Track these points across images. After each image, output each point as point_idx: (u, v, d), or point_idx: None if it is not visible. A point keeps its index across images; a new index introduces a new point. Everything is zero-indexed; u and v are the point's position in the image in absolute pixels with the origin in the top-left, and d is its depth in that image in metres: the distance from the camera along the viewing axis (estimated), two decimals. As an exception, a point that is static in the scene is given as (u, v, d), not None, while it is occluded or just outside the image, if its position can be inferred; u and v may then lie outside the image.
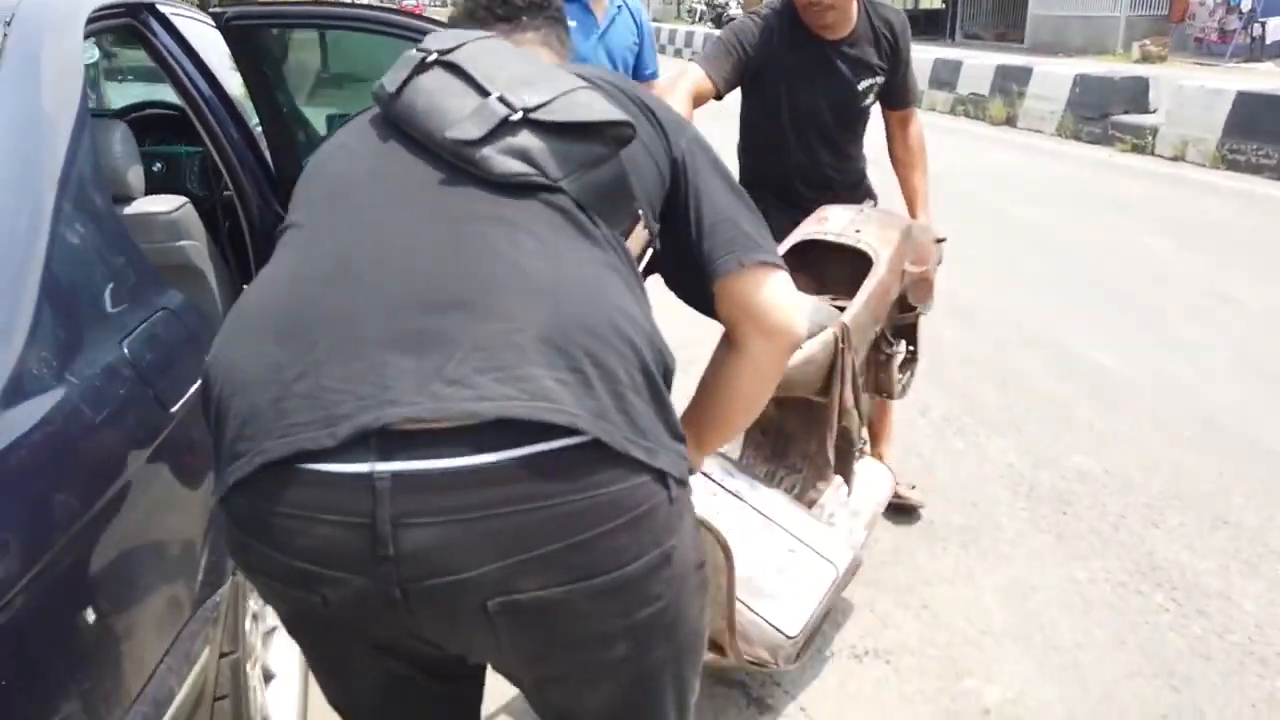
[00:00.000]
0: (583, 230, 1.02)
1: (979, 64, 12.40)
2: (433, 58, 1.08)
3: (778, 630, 1.81)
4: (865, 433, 2.47)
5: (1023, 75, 11.22)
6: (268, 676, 1.84)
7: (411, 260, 0.98)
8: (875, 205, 2.55)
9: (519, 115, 1.01)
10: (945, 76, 12.77)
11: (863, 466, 2.29)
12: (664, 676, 1.07)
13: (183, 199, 2.29)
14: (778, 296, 1.17)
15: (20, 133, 1.39)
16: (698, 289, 1.19)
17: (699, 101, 2.30)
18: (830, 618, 2.30)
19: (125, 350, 1.34)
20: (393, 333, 0.93)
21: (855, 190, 2.60)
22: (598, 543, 0.92)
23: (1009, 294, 4.94)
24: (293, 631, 1.12)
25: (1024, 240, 6.03)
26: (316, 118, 2.65)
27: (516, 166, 1.01)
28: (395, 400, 0.90)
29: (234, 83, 2.50)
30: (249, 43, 2.38)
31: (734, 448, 2.18)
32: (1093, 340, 4.22)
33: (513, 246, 0.98)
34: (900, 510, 2.74)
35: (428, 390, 0.90)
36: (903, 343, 2.32)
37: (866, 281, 2.07)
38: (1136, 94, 9.97)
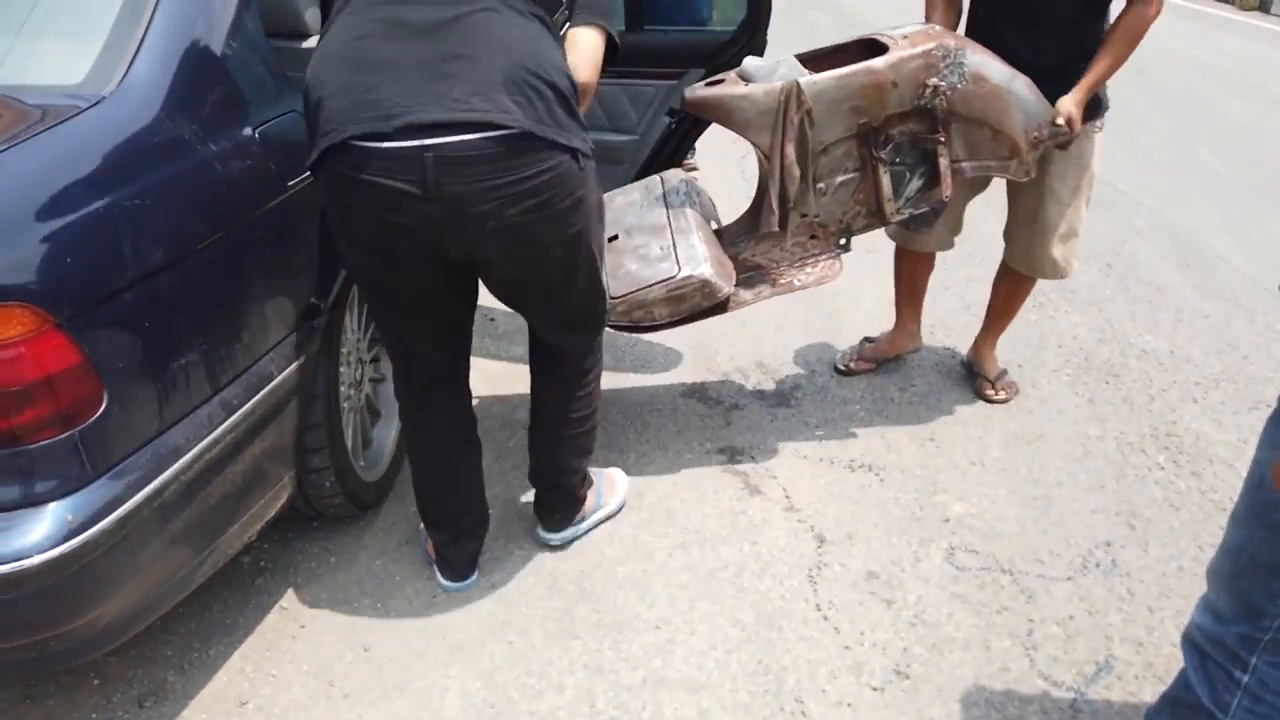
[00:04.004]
0: (527, 15, 1.68)
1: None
2: None
3: (607, 289, 2.15)
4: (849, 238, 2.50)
5: (1287, -46, 9.96)
6: (373, 410, 2.43)
7: (430, 28, 1.61)
8: (1101, 113, 2.46)
9: None
10: (1200, -46, 11.49)
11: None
12: (580, 265, 1.84)
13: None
14: (584, 48, 1.78)
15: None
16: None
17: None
18: (841, 440, 2.65)
19: (255, 134, 1.87)
20: (422, 72, 1.59)
21: (1055, 80, 2.35)
22: (542, 189, 1.64)
23: (1165, 185, 4.80)
24: (363, 266, 1.79)
25: (1213, 136, 5.69)
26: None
27: None
28: (426, 108, 1.56)
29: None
30: None
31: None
32: (1230, 237, 4.11)
33: (489, 23, 1.63)
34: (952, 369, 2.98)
35: (444, 105, 1.57)
36: (915, 173, 2.37)
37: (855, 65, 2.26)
38: None
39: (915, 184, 2.41)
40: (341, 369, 2.18)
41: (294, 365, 1.92)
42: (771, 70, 2.32)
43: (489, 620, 2.02)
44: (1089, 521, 2.33)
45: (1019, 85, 2.31)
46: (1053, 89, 2.33)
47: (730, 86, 2.33)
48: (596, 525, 2.30)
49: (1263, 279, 3.65)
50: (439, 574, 2.13)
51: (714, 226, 2.53)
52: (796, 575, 2.15)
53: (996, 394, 2.85)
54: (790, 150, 2.25)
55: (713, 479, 2.48)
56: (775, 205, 2.32)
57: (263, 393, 1.82)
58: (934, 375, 2.99)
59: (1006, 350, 3.11)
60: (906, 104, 2.28)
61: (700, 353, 3.14)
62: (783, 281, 2.44)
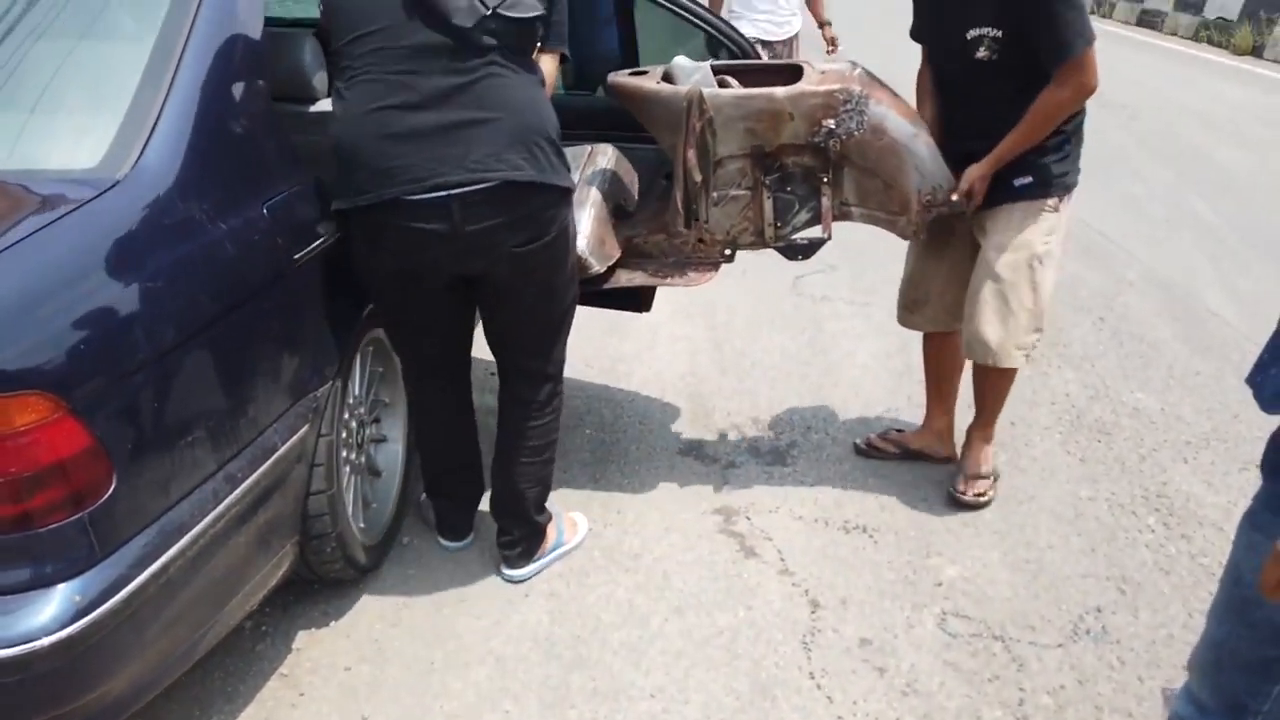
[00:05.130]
0: (521, 69, 1.95)
1: (1233, -14, 11.25)
2: None
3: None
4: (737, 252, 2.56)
5: (1276, 1, 10.12)
6: (373, 470, 2.47)
7: (449, 96, 1.88)
8: (1053, 191, 2.41)
9: (490, 11, 1.87)
10: (1193, -1, 11.69)
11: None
12: (559, 285, 2.14)
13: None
14: (549, 68, 2.08)
15: (211, 52, 1.95)
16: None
17: None
18: (836, 499, 2.68)
19: (265, 210, 1.92)
20: (443, 138, 1.88)
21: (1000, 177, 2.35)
22: (542, 221, 1.99)
23: (1157, 236, 4.86)
24: (387, 288, 2.08)
25: (1208, 185, 5.76)
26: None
27: (489, 41, 1.90)
28: (450, 172, 1.88)
29: None
30: None
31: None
32: (1222, 292, 4.16)
33: (495, 88, 1.91)
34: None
35: (464, 168, 1.88)
36: (804, 206, 2.43)
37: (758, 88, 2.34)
38: None
39: (803, 216, 2.46)
40: (343, 433, 2.22)
41: (298, 435, 1.96)
42: (690, 75, 2.41)
43: (485, 688, 2.04)
44: (1080, 586, 2.36)
45: (919, 145, 2.35)
46: (1011, 173, 2.35)
47: (647, 81, 2.44)
48: (556, 559, 2.41)
49: (1253, 334, 3.70)
50: (441, 538, 2.46)
51: (628, 207, 2.61)
52: (790, 642, 2.17)
53: (964, 493, 2.62)
54: (691, 155, 2.34)
55: (709, 540, 2.51)
56: (679, 205, 2.41)
57: (267, 464, 1.86)
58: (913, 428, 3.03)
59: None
60: (801, 138, 2.34)
61: (697, 406, 3.18)
62: (658, 274, 2.53)
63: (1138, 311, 3.96)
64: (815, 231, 2.49)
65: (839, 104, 2.30)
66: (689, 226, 2.44)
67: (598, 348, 3.57)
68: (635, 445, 2.96)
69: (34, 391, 1.38)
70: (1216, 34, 10.96)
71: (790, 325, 3.80)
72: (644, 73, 2.51)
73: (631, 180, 2.66)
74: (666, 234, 2.49)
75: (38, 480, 1.41)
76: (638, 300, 2.97)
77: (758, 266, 3.63)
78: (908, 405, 3.15)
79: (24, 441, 1.38)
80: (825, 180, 2.39)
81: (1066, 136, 2.37)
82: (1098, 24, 10.01)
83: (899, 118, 2.35)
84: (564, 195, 2.04)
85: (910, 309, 2.75)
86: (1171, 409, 3.17)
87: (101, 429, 1.46)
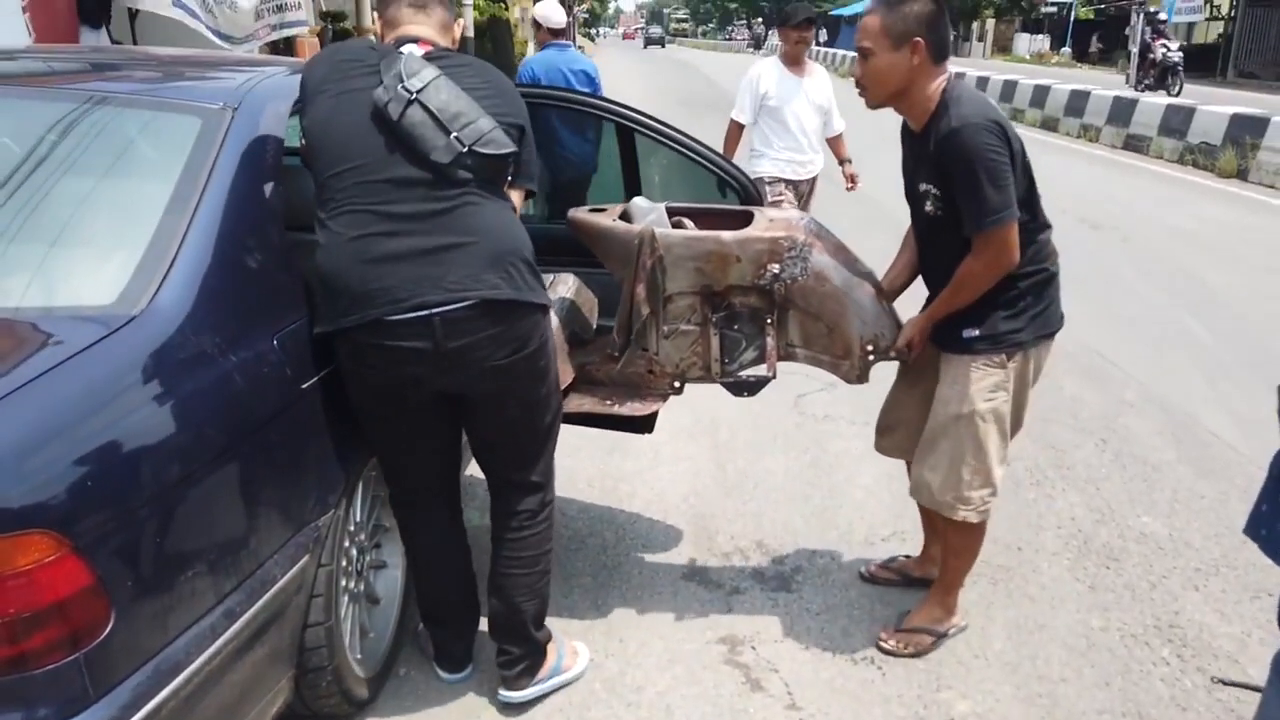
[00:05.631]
0: (494, 196, 2.06)
1: (1213, 111, 11.68)
2: (413, 97, 1.95)
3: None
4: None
5: (1258, 126, 10.49)
6: (372, 599, 2.43)
7: (427, 222, 1.97)
8: (998, 347, 2.34)
9: (466, 149, 1.98)
10: (1175, 124, 12.11)
11: None
12: (543, 397, 2.19)
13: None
14: (516, 201, 2.17)
15: (232, 190, 2.02)
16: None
17: None
18: (843, 628, 2.63)
19: (274, 341, 1.95)
20: (422, 260, 1.95)
21: (953, 327, 2.35)
22: (521, 336, 2.05)
23: (1154, 358, 4.91)
24: (372, 407, 2.09)
25: (1199, 305, 5.85)
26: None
27: (465, 175, 2.00)
28: (429, 292, 1.94)
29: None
30: None
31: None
32: (1222, 414, 4.18)
33: (472, 215, 2.00)
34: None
35: (443, 288, 1.95)
36: (751, 344, 2.51)
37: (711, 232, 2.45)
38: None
39: (750, 354, 2.55)
40: (344, 561, 2.20)
41: (298, 565, 1.94)
42: (645, 214, 2.53)
43: (483, 832, 1.96)
44: (1095, 723, 2.29)
45: (861, 294, 2.45)
46: (958, 316, 2.34)
47: (603, 218, 2.56)
48: (556, 689, 2.35)
49: (1255, 457, 3.69)
50: (439, 669, 2.41)
51: (585, 335, 2.69)
52: (799, 783, 2.10)
53: (883, 640, 2.54)
54: (640, 290, 2.43)
55: (713, 672, 2.46)
56: (616, 333, 2.51)
57: (266, 596, 1.83)
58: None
59: (1005, 531, 3.13)
60: (748, 280, 2.44)
61: (700, 529, 3.15)
62: (606, 402, 2.60)
63: (1139, 433, 3.96)
64: (762, 369, 2.57)
65: (783, 250, 2.41)
66: (622, 352, 2.52)
67: (600, 467, 3.56)
68: (638, 569, 2.92)
69: (38, 530, 1.38)
70: (1201, 158, 11.31)
71: (793, 445, 3.80)
72: (603, 210, 2.65)
73: (591, 309, 2.76)
74: (618, 363, 2.57)
75: (36, 620, 1.39)
76: (640, 422, 2.99)
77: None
78: (913, 529, 3.11)
79: (25, 582, 1.37)
80: (770, 321, 2.48)
81: (1020, 293, 2.31)
82: (1085, 148, 10.38)
83: (841, 268, 2.46)
84: (542, 311, 2.12)
85: (881, 433, 2.72)
86: (1179, 534, 3.15)
87: (103, 566, 1.45)
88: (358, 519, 2.29)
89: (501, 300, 1.99)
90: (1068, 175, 10.58)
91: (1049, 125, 15.54)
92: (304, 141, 2.09)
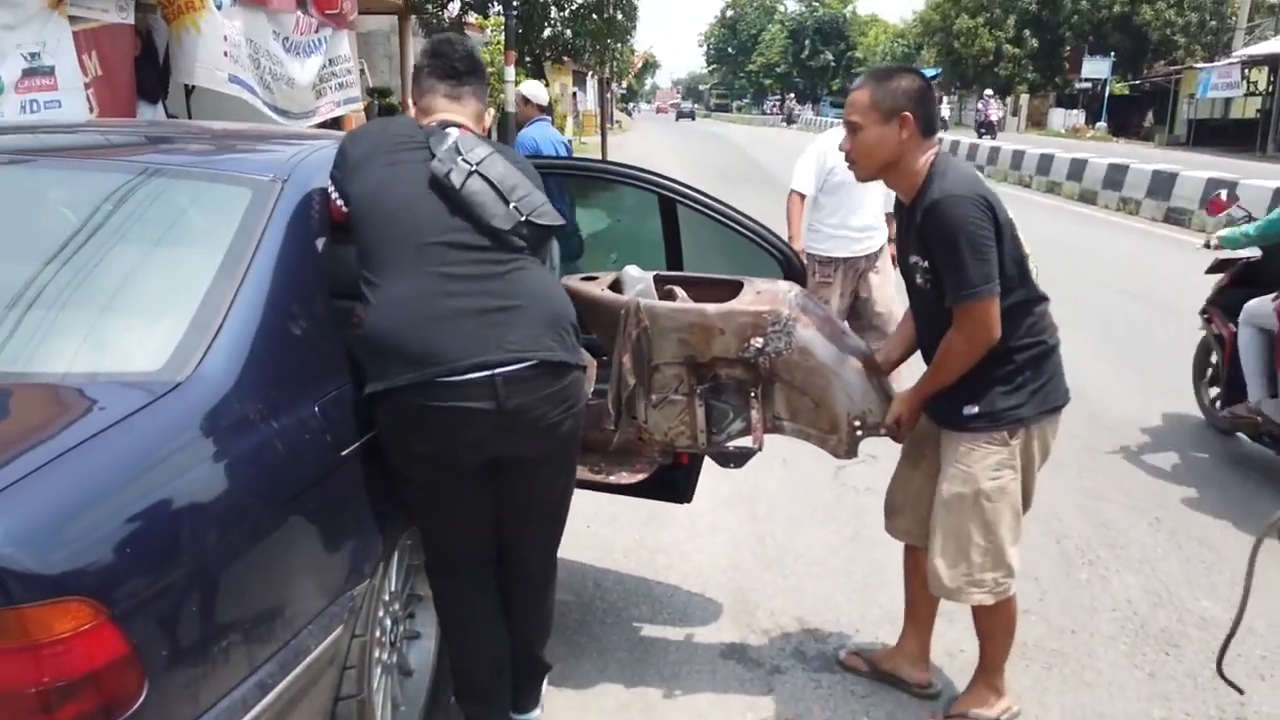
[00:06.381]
0: (540, 263, 2.15)
1: (1258, 186, 11.56)
2: (474, 168, 2.05)
3: None
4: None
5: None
6: (404, 670, 2.39)
7: (484, 284, 2.03)
8: (1000, 424, 2.27)
9: (524, 219, 2.07)
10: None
11: None
12: (574, 452, 2.26)
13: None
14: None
15: (280, 257, 2.04)
16: None
17: None
18: (889, 712, 2.53)
19: (316, 408, 1.95)
20: (481, 320, 2.00)
21: (958, 385, 2.26)
22: (572, 396, 2.11)
23: (1207, 434, 4.76)
24: (418, 474, 2.09)
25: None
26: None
27: (520, 243, 2.08)
28: (488, 352, 1.98)
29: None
30: None
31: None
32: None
33: (526, 279, 2.08)
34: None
35: (502, 348, 1.99)
36: (739, 415, 2.49)
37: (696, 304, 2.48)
38: None
39: (737, 425, 2.52)
40: (377, 631, 2.16)
41: (332, 636, 1.91)
42: (634, 283, 2.55)
43: None
44: (1161, 822, 2.16)
45: (846, 370, 2.41)
46: (956, 393, 2.27)
47: (594, 286, 2.60)
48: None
49: (1320, 537, 3.55)
50: None
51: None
52: None
53: None
54: (626, 359, 2.43)
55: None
56: (610, 404, 2.50)
57: (299, 668, 1.79)
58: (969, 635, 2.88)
59: (1058, 613, 3.02)
60: (732, 352, 2.43)
61: (739, 603, 3.08)
62: (596, 469, 2.60)
63: (1194, 511, 3.83)
64: (747, 441, 2.54)
65: (767, 324, 2.40)
66: (616, 426, 2.52)
67: (636, 538, 3.51)
68: (675, 646, 2.85)
69: (75, 597, 1.36)
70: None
71: (833, 518, 3.72)
72: (595, 278, 2.68)
73: (589, 375, 2.73)
74: (610, 431, 2.56)
75: (69, 690, 1.36)
76: (678, 490, 2.95)
77: (798, 455, 3.60)
78: (957, 609, 3.00)
79: (61, 650, 1.35)
80: (754, 394, 2.47)
81: (1018, 367, 2.25)
82: (1125, 220, 10.28)
83: (826, 342, 2.44)
84: (584, 372, 2.20)
85: (889, 515, 2.62)
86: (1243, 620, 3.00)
87: (139, 636, 1.43)
88: (393, 588, 2.26)
89: (556, 361, 2.05)
90: (1110, 248, 10.51)
91: (1087, 198, 15.49)
92: (346, 208, 2.11)
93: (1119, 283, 8.04)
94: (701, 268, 2.93)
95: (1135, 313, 7.19)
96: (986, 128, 28.25)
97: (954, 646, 2.81)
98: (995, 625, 2.44)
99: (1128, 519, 3.75)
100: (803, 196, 4.70)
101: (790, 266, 2.84)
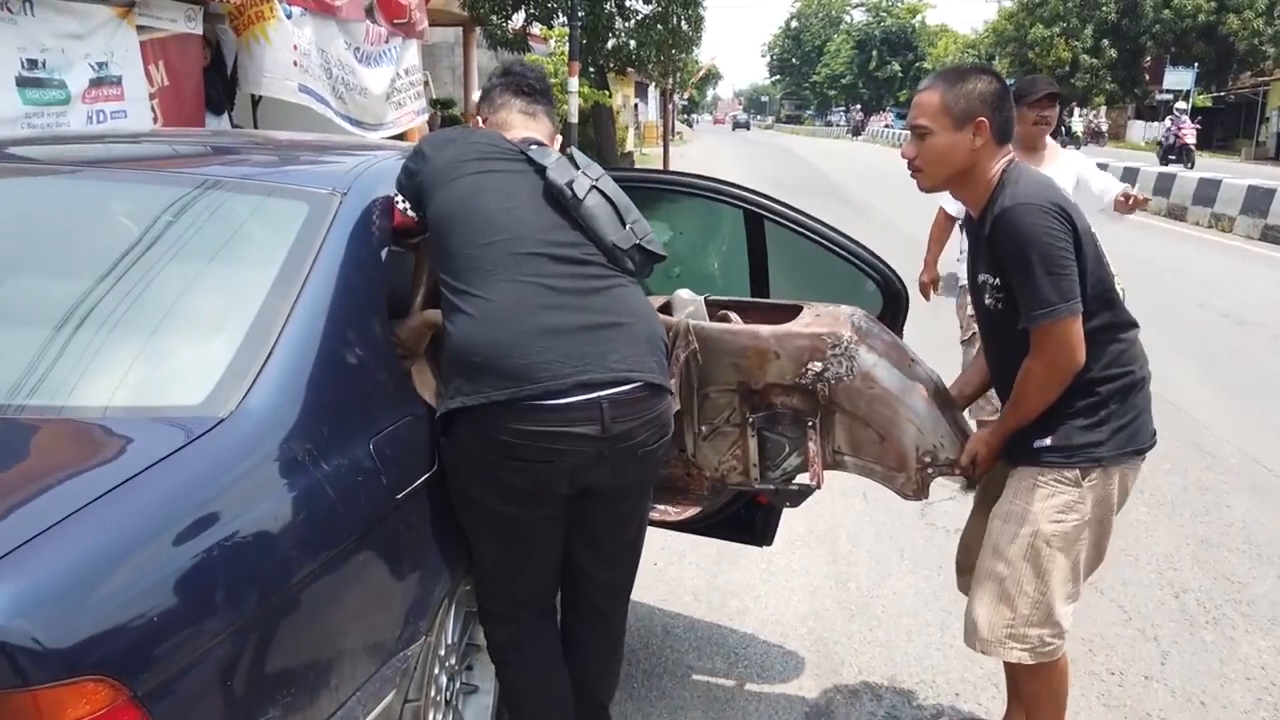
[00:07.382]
0: (637, 283, 2.04)
1: None
2: (595, 183, 1.98)
3: None
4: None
5: None
6: (462, 728, 2.18)
7: (585, 299, 1.91)
8: (1072, 461, 2.03)
9: (639, 241, 1.98)
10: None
11: None
12: (652, 488, 2.14)
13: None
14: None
15: (335, 279, 1.86)
16: None
17: None
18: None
19: (370, 447, 1.76)
20: (583, 337, 1.87)
21: (1037, 422, 2.03)
22: (666, 421, 1.99)
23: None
24: (500, 508, 1.91)
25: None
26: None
27: (630, 265, 1.99)
28: (592, 370, 1.84)
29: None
30: None
31: None
32: None
33: (627, 296, 1.98)
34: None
35: (606, 366, 1.86)
36: (796, 449, 2.32)
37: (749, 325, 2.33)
38: None
39: (794, 459, 2.31)
40: (432, 691, 1.96)
41: (382, 705, 1.71)
42: (685, 306, 2.39)
43: None
44: None
45: (914, 399, 2.20)
46: (1033, 430, 2.04)
47: None
48: None
49: None
50: None
51: None
52: None
53: None
54: (673, 385, 2.18)
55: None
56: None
57: (346, 745, 1.60)
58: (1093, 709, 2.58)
59: (1183, 680, 2.70)
60: (788, 378, 2.24)
61: (824, 659, 2.82)
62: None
63: (1329, 564, 3.46)
64: (805, 478, 2.31)
65: (826, 348, 2.21)
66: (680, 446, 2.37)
67: (708, 579, 3.27)
68: (755, 705, 2.60)
69: (91, 676, 1.18)
70: None
71: (922, 562, 3.44)
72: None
73: None
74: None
75: (81, 785, 1.18)
76: (756, 532, 2.72)
77: (879, 488, 3.32)
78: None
79: (74, 738, 1.17)
80: (812, 425, 2.28)
81: (1101, 400, 2.00)
82: (1217, 238, 9.77)
83: (893, 369, 2.23)
84: (673, 396, 2.09)
85: (961, 571, 2.36)
86: (1399, 695, 2.66)
87: (164, 717, 1.25)
88: (450, 641, 2.05)
89: (657, 384, 1.95)
90: (1203, 267, 9.98)
91: (1175, 214, 14.83)
92: (425, 213, 1.96)
93: (1217, 305, 7.56)
94: (789, 290, 2.69)
95: (1240, 338, 6.73)
96: (1181, 153, 20.30)
97: None
98: (1038, 689, 2.17)
99: (1253, 570, 3.40)
100: (951, 218, 4.14)
101: (889, 288, 2.59)
